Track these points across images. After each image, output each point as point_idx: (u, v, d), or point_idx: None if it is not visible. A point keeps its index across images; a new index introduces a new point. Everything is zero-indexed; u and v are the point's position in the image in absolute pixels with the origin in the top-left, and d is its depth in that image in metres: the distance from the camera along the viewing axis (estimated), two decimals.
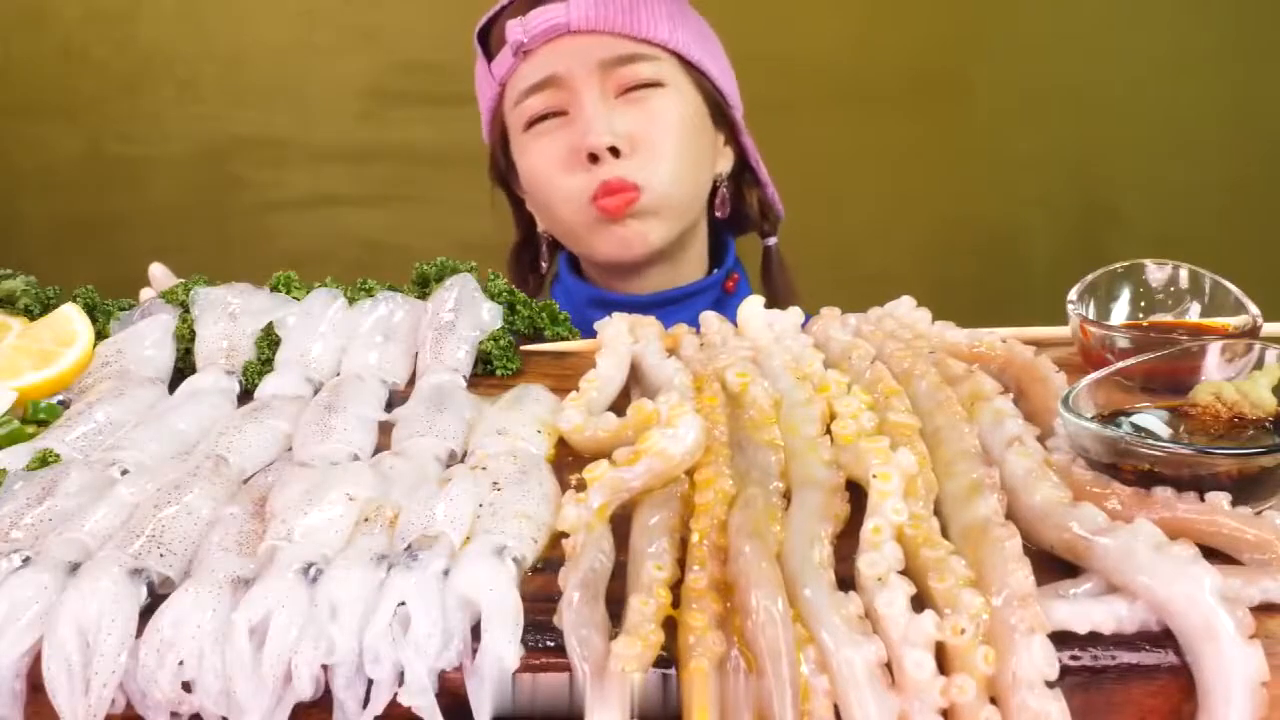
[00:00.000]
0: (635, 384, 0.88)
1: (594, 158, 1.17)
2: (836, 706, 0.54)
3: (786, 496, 0.67)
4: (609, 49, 1.19)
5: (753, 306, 0.94)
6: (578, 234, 1.24)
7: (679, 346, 0.91)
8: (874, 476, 0.62)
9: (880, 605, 0.55)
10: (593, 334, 0.99)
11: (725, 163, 1.31)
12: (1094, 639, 0.57)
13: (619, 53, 1.19)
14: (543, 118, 1.22)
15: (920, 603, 0.56)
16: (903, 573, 0.58)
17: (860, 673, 0.53)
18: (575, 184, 1.19)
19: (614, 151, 1.17)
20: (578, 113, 1.19)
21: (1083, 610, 0.57)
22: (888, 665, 0.54)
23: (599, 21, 1.18)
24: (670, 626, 0.57)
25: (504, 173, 1.33)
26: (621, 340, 0.90)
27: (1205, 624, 0.55)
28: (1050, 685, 0.53)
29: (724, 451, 0.69)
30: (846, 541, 0.63)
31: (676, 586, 0.59)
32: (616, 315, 0.94)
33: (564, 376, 0.91)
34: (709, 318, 0.96)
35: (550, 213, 1.26)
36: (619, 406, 0.80)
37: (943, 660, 0.55)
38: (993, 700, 0.54)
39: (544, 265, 1.36)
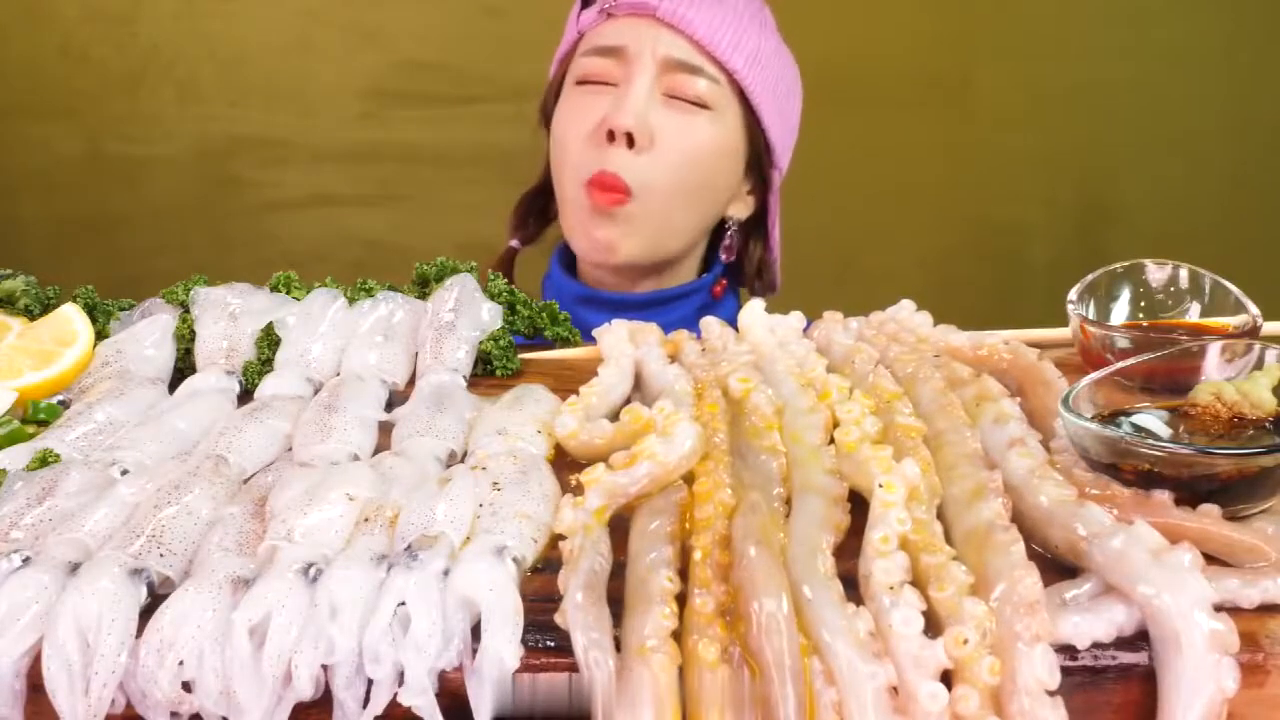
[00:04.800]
0: (636, 390, 0.87)
1: (611, 136, 1.17)
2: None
3: (788, 503, 0.67)
4: (679, 50, 1.19)
5: (754, 311, 0.93)
6: (567, 209, 1.24)
7: (680, 352, 0.90)
8: (879, 486, 0.61)
9: (896, 624, 0.55)
10: (582, 331, 0.99)
11: (741, 209, 1.31)
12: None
13: (685, 59, 1.19)
14: (593, 81, 1.22)
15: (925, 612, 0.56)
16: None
17: (869, 697, 0.53)
18: (583, 158, 1.19)
19: (630, 140, 1.17)
20: (622, 90, 1.19)
21: (1084, 627, 0.57)
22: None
23: (682, 21, 1.18)
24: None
25: (550, 114, 1.32)
26: (622, 349, 0.89)
27: (1175, 634, 0.55)
28: (1050, 693, 0.53)
29: (724, 459, 0.69)
30: (844, 544, 0.63)
31: (678, 596, 0.58)
32: (616, 323, 0.94)
33: (564, 377, 0.91)
34: (710, 323, 0.95)
35: (558, 174, 1.26)
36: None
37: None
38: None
39: (552, 216, 1.35)
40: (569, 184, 1.22)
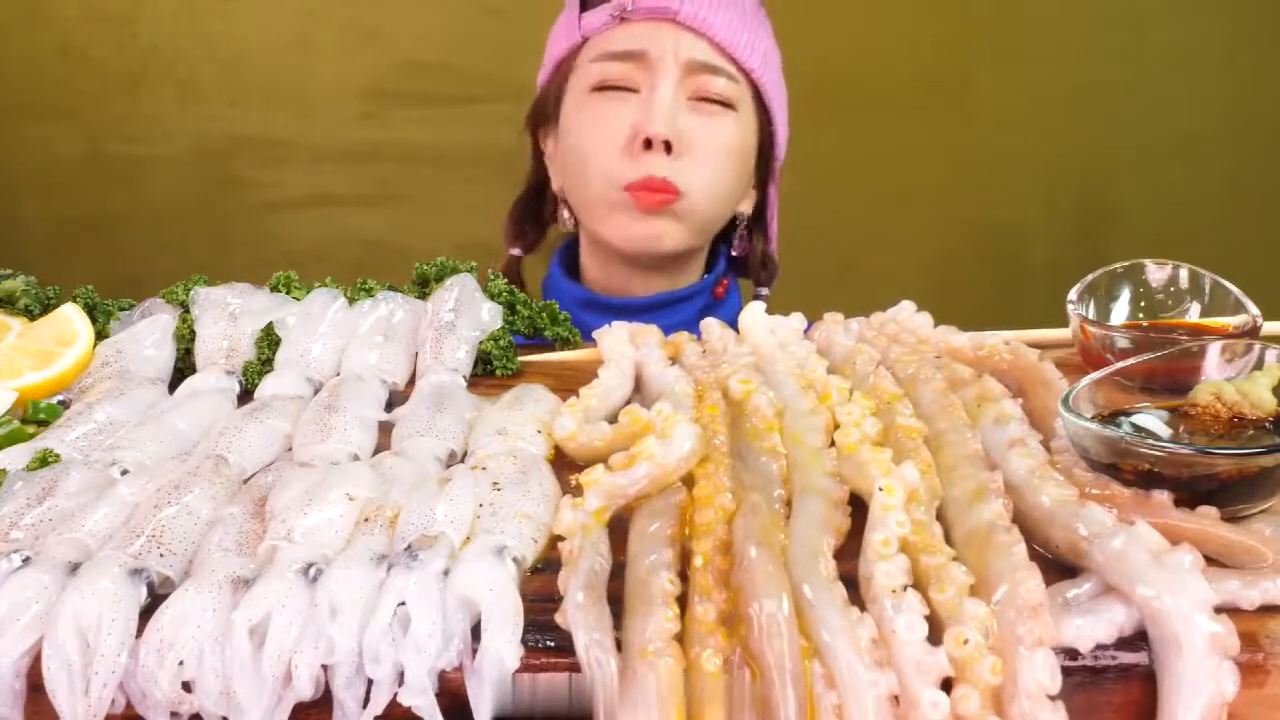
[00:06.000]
0: (636, 392, 0.87)
1: (648, 144, 1.17)
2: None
3: (788, 505, 0.67)
4: (702, 52, 1.19)
5: (754, 313, 0.93)
6: (597, 210, 1.22)
7: (681, 354, 0.90)
8: (879, 489, 0.61)
9: (900, 630, 0.55)
10: (583, 335, 0.99)
11: (747, 204, 1.32)
12: None
13: (709, 60, 1.19)
14: (612, 87, 1.21)
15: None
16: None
17: (869, 703, 0.53)
18: (618, 164, 1.18)
19: (667, 146, 1.17)
20: (648, 96, 1.18)
21: (1087, 630, 0.57)
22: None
23: (704, 24, 1.19)
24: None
25: (543, 120, 1.31)
26: (623, 351, 0.89)
27: (1175, 636, 0.55)
28: (1052, 697, 0.53)
29: (724, 461, 0.69)
30: (843, 545, 0.63)
31: (678, 598, 0.58)
32: (616, 325, 0.94)
33: (564, 377, 0.91)
34: (710, 324, 0.95)
35: (580, 180, 1.24)
36: None
37: None
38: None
39: (548, 220, 1.35)
40: (602, 187, 1.20)
